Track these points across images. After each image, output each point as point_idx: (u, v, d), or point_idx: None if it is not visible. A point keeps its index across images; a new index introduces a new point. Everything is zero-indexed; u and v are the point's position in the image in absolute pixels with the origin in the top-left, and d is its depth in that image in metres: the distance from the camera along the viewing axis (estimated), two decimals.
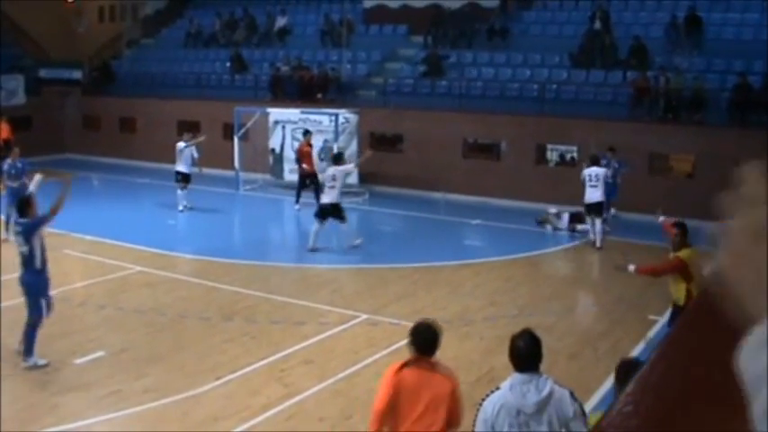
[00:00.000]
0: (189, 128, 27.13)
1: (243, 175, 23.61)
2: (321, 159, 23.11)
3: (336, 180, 16.08)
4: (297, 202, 20.70)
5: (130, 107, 29.31)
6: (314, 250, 16.26)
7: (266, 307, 12.74)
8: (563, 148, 22.24)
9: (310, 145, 21.02)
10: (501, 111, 22.32)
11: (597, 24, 23.78)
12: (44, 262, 9.98)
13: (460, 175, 21.93)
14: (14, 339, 10.30)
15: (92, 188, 24.23)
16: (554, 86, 22.81)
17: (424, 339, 5.83)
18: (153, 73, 29.11)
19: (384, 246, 17.73)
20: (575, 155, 20.62)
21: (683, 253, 9.56)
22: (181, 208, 20.08)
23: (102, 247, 16.31)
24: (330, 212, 16.20)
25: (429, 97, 23.91)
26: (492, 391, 5.09)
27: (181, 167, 20.15)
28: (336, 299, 13.22)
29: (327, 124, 22.94)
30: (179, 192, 20.16)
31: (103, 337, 11.12)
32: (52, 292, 10.47)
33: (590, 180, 17.00)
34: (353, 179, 22.88)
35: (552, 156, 22.87)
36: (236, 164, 23.65)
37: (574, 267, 16.98)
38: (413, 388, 5.66)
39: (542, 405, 4.90)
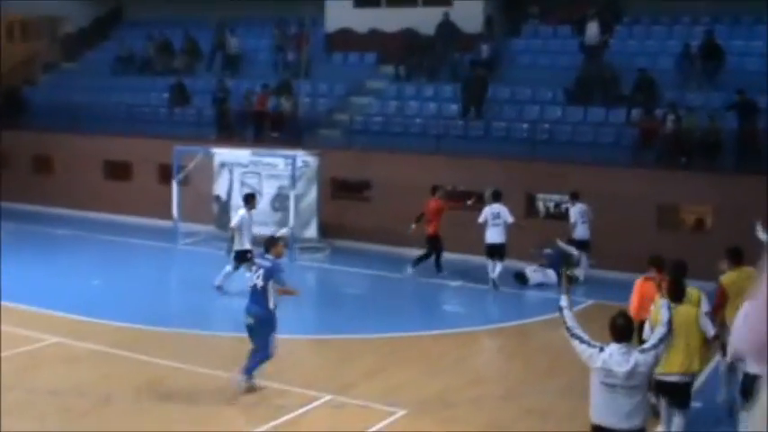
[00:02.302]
0: (116, 168, 27.10)
1: (182, 226, 23.43)
2: (275, 209, 23.06)
3: (500, 218, 18.66)
4: (414, 265, 20.21)
5: (47, 143, 29.09)
6: (496, 286, 18.78)
7: (210, 386, 12.55)
8: (557, 197, 22.37)
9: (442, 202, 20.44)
10: (484, 154, 22.43)
11: (591, 37, 24.17)
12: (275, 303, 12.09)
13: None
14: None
15: None
16: (546, 126, 23.05)
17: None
18: (75, 103, 28.92)
19: (349, 312, 17.61)
20: (569, 205, 20.73)
21: (725, 278, 11.33)
22: (219, 284, 18.31)
23: (11, 314, 15.90)
24: (498, 250, 18.78)
25: (401, 137, 23.99)
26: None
27: (247, 244, 17.72)
28: (294, 376, 13.05)
29: (282, 168, 22.93)
30: (228, 269, 18.26)
31: (11, 426, 10.83)
32: None
33: (582, 216, 19.42)
34: (313, 233, 22.82)
35: (546, 206, 23.00)
36: (175, 213, 23.48)
37: None
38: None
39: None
